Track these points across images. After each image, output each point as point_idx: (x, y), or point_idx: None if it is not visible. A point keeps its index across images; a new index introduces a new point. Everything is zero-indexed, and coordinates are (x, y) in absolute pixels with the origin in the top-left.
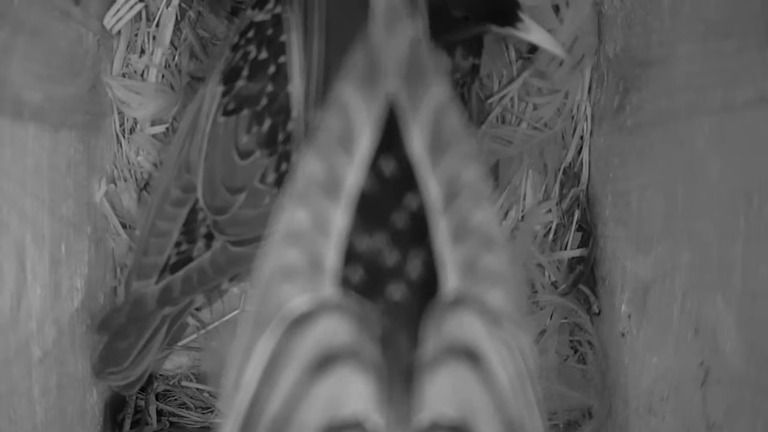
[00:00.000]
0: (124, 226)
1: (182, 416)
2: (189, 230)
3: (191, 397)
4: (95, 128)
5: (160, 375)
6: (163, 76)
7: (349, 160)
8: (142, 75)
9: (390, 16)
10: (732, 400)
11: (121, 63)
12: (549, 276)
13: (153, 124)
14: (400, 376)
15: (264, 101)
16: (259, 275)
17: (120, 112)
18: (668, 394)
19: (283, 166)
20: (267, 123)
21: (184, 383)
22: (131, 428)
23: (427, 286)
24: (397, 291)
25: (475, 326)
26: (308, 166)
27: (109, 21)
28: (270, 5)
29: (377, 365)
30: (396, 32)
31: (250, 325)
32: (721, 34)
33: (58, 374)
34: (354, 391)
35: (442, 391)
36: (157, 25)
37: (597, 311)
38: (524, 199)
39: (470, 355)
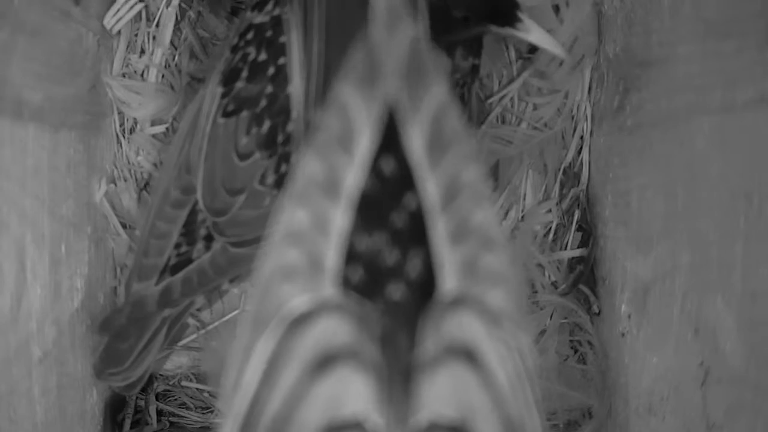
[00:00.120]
0: (124, 226)
1: (182, 416)
2: (189, 232)
3: (191, 397)
4: (95, 128)
5: (160, 375)
6: (163, 76)
7: (349, 160)
8: (142, 75)
9: (390, 17)
10: (732, 400)
11: (121, 63)
12: (549, 276)
13: (153, 124)
14: (399, 376)
15: (263, 103)
16: (259, 275)
17: (120, 112)
18: (668, 394)
19: (283, 168)
20: (266, 124)
21: (184, 383)
22: (131, 428)
23: (427, 286)
24: (396, 291)
25: (475, 326)
26: (308, 166)
27: (109, 21)
28: (269, 7)
29: (377, 365)
30: (396, 32)
31: (249, 325)
32: (721, 34)
33: (58, 374)
34: (354, 391)
35: (442, 391)
36: (157, 25)
37: (597, 311)
38: (524, 199)
39: (469, 356)
